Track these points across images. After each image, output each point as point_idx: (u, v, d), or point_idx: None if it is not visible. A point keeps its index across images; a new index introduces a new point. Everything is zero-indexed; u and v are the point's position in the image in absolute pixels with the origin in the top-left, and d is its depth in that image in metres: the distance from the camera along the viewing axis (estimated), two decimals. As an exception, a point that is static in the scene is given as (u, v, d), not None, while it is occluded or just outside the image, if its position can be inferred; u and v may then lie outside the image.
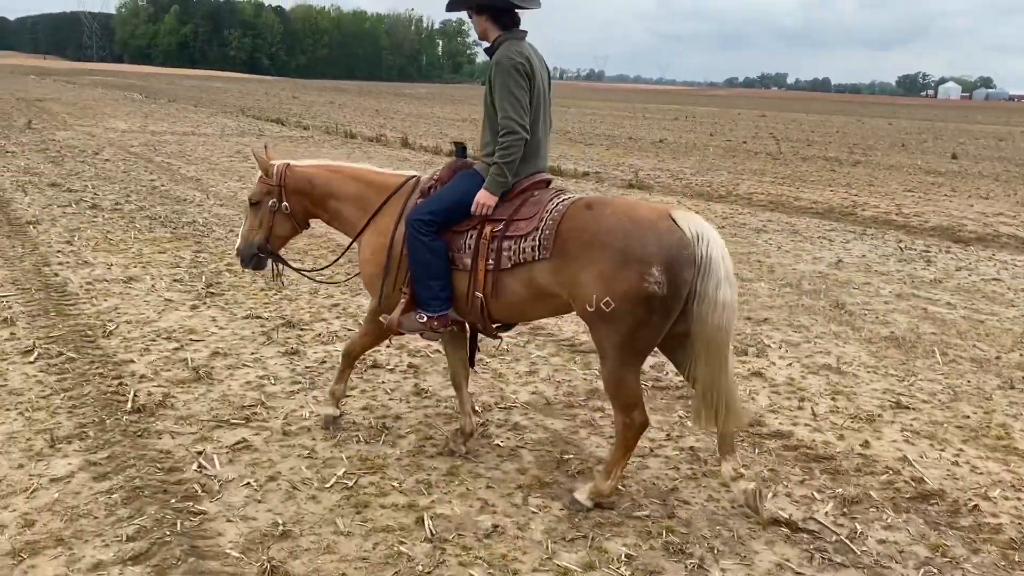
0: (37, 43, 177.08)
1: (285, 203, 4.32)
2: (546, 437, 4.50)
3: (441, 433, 4.49)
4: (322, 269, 5.10)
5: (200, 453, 4.15)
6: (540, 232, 3.66)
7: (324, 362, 5.55)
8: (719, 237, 3.56)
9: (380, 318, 4.16)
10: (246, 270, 5.03)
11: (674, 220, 3.53)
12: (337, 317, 6.56)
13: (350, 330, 6.21)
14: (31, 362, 5.30)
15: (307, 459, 4.17)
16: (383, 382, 5.22)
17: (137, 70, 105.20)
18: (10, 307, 6.43)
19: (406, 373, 5.38)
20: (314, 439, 4.39)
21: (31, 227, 9.47)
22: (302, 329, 6.21)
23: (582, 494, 3.77)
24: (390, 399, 4.98)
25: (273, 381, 5.17)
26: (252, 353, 5.67)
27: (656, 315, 3.48)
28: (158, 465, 4.02)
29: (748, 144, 28.68)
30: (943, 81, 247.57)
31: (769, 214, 13.08)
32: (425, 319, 3.95)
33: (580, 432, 4.59)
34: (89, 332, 5.92)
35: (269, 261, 4.49)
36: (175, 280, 7.46)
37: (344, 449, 4.29)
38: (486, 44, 3.98)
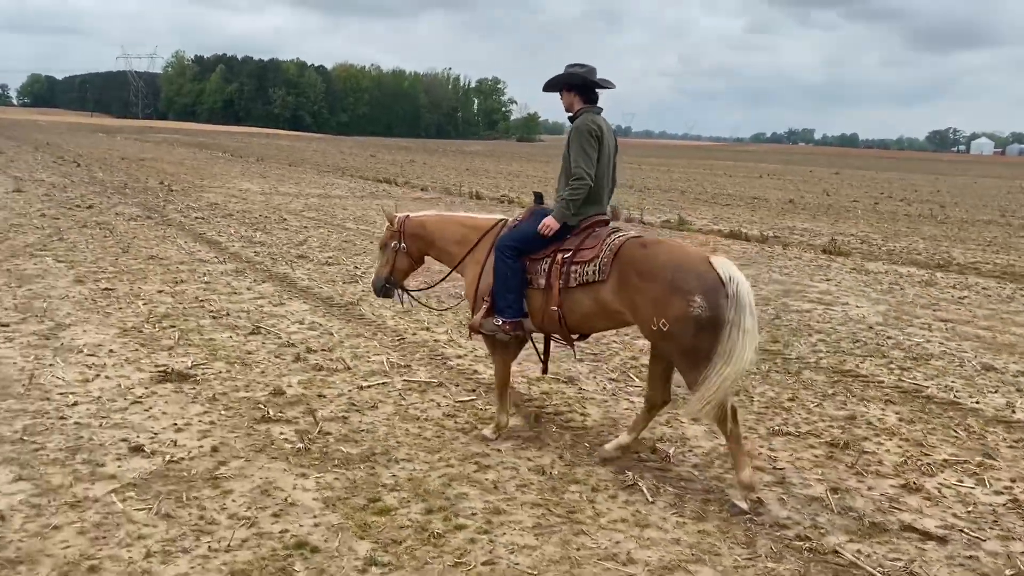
0: (83, 101, 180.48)
1: (403, 244, 5.43)
2: None
3: None
4: (426, 289, 6.18)
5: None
6: (600, 260, 4.61)
7: (896, 500, 4.65)
8: (744, 278, 4.34)
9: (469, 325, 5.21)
10: (379, 298, 5.99)
11: (711, 264, 4.36)
12: (783, 439, 5.68)
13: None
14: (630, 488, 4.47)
15: None
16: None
17: (196, 127, 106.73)
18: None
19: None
20: None
21: (360, 307, 8.77)
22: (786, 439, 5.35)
23: (740, 502, 4.34)
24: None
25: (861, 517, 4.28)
26: (815, 477, 4.80)
27: (706, 331, 4.27)
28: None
29: (880, 205, 27.86)
30: (975, 136, 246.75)
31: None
32: (500, 322, 4.96)
33: None
34: (640, 453, 5.08)
35: (395, 292, 5.60)
36: (610, 379, 6.65)
37: None
38: (570, 114, 5.01)
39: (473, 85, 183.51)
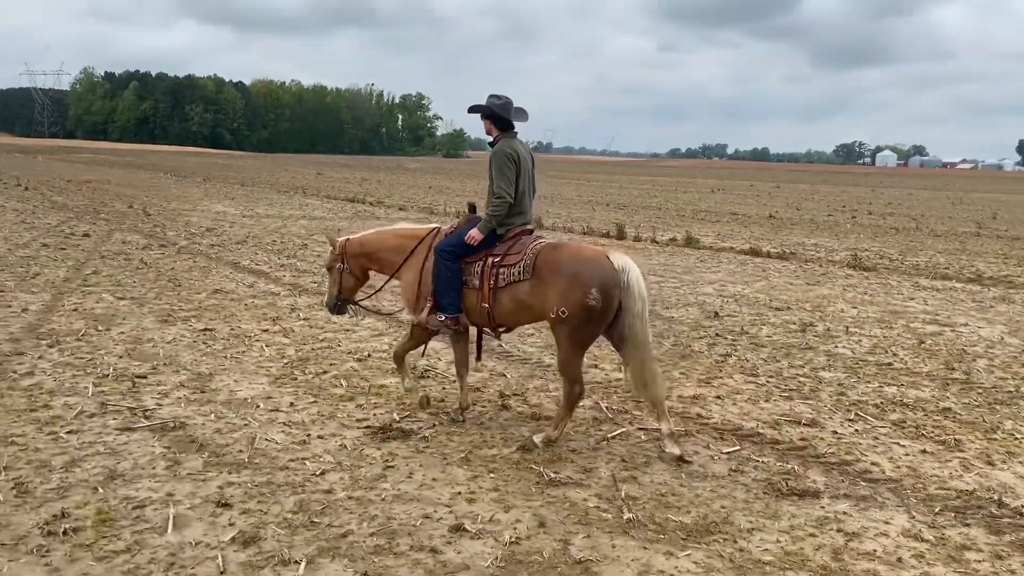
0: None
1: (346, 265, 5.95)
2: None
3: None
4: (369, 296, 6.39)
5: None
6: (524, 262, 5.24)
7: None
8: (637, 268, 5.11)
9: (414, 321, 5.73)
10: (334, 316, 6.58)
11: (608, 258, 5.11)
12: None
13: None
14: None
15: None
16: None
17: (115, 146, 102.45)
18: (756, 456, 5.10)
19: None
20: None
21: (492, 342, 8.10)
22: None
23: (538, 438, 5.31)
24: None
25: None
26: None
27: (594, 320, 5.05)
28: None
29: (859, 219, 28.36)
30: (879, 149, 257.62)
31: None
32: (443, 318, 5.52)
33: None
34: (989, 509, 4.63)
35: (348, 308, 6.16)
36: (848, 420, 6.19)
37: None
38: (490, 139, 5.63)
39: (397, 101, 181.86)
